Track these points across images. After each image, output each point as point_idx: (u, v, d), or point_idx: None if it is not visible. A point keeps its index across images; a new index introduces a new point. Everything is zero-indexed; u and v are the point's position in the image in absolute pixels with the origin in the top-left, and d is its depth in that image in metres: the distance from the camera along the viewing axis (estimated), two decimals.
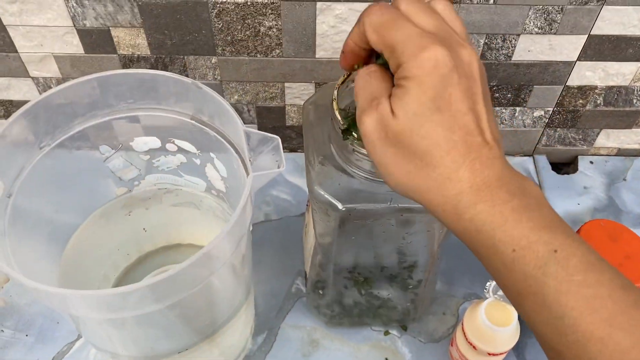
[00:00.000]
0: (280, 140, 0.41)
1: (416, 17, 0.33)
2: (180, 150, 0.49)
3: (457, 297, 0.61)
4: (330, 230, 0.46)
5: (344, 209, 0.42)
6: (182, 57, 0.60)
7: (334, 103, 0.41)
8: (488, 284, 0.51)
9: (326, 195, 0.43)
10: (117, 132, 0.47)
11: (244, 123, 0.68)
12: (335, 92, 0.42)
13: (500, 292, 0.51)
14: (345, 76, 0.43)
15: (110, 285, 0.56)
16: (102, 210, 0.52)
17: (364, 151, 0.40)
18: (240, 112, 0.66)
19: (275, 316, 0.59)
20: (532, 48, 0.59)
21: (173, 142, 0.48)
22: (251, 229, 0.45)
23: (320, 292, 0.55)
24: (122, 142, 0.48)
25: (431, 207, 0.33)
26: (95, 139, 0.47)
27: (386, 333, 0.59)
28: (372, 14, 0.34)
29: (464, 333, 0.53)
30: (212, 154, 0.47)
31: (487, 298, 0.52)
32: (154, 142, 0.48)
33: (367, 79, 0.34)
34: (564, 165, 0.73)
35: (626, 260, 0.49)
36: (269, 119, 0.67)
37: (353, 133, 0.40)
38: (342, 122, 0.40)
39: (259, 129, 0.68)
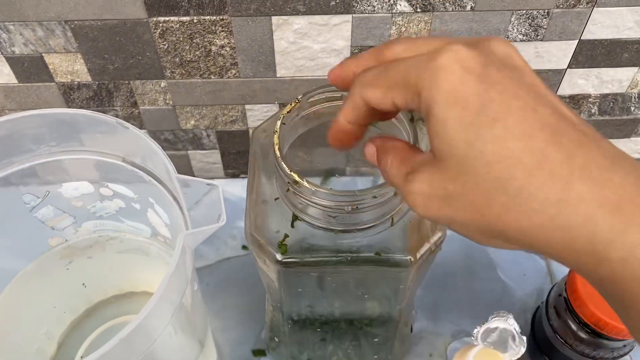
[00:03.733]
0: (220, 188, 0.35)
1: (416, 47, 0.26)
2: (117, 194, 0.43)
3: (445, 335, 0.55)
4: (273, 279, 0.40)
5: (282, 260, 0.36)
6: (127, 82, 0.54)
7: (275, 137, 0.35)
8: (476, 330, 0.45)
9: (262, 242, 0.37)
10: (41, 179, 0.41)
11: (205, 149, 0.62)
12: (279, 123, 0.36)
13: (490, 339, 0.45)
14: (293, 104, 0.37)
15: (55, 344, 0.50)
16: (36, 264, 0.46)
17: (309, 195, 0.34)
18: (199, 138, 0.60)
19: None
20: None
21: (107, 187, 0.42)
22: (195, 287, 0.39)
23: (276, 339, 0.49)
24: (49, 189, 0.42)
25: (551, 252, 0.23)
26: (15, 188, 0.41)
27: None
28: (362, 75, 0.27)
29: None
30: (150, 199, 0.41)
31: (475, 345, 0.45)
32: (85, 187, 0.42)
33: (388, 156, 0.28)
34: None
35: None
36: (232, 143, 0.61)
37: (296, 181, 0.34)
38: (283, 165, 0.34)
39: (221, 155, 0.62)
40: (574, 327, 0.45)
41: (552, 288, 0.49)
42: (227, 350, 0.54)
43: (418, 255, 0.36)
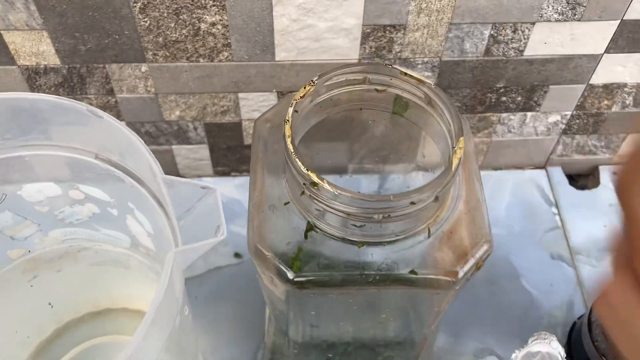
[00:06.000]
0: (218, 192, 0.28)
1: None
2: (90, 197, 0.36)
3: (467, 354, 0.49)
4: (280, 300, 0.33)
5: (295, 279, 0.29)
6: (102, 66, 0.46)
7: (287, 127, 0.28)
8: (514, 355, 0.39)
9: (270, 257, 0.30)
10: None
11: (191, 143, 0.55)
12: (291, 110, 0.29)
13: None
14: (307, 88, 0.30)
15: None
16: None
17: (329, 200, 0.28)
18: (185, 131, 0.53)
19: None
20: (549, 40, 0.46)
21: (77, 189, 0.35)
22: (186, 312, 0.32)
23: None
24: (7, 192, 0.35)
25: None
26: None
27: None
28: None
29: None
30: (130, 204, 0.34)
31: None
32: (51, 189, 0.35)
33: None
34: (580, 177, 0.61)
35: None
36: (222, 137, 0.54)
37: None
38: (297, 162, 0.27)
39: (210, 151, 0.55)
40: None
41: (591, 309, 0.43)
42: None
43: (461, 274, 0.30)
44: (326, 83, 0.31)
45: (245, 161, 0.57)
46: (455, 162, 0.28)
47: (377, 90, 0.32)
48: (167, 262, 0.25)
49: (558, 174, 0.59)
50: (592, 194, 0.58)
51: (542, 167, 0.59)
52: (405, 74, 0.31)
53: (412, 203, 0.27)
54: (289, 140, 0.28)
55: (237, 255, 0.53)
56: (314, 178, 0.27)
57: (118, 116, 0.51)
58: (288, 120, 0.29)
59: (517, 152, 0.57)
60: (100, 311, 0.45)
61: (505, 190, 0.58)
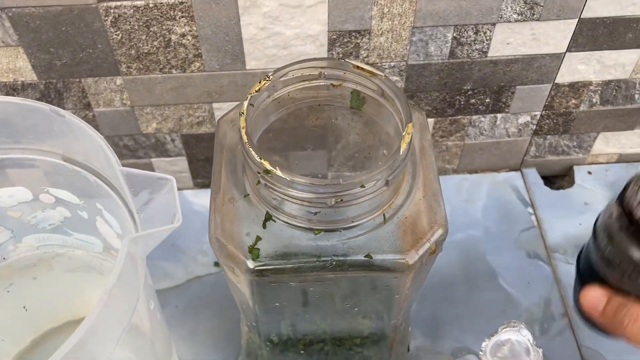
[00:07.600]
0: (174, 182, 0.29)
1: None
2: (60, 201, 0.37)
3: (444, 353, 0.49)
4: (245, 293, 0.34)
5: (254, 268, 0.30)
6: (78, 80, 0.48)
7: (242, 119, 0.29)
8: (484, 343, 0.39)
9: (230, 248, 0.31)
10: None
11: (169, 156, 0.56)
12: (246, 104, 0.30)
13: (501, 354, 0.39)
14: (262, 82, 0.31)
15: None
16: None
17: (284, 187, 0.29)
18: (162, 143, 0.54)
19: None
20: (511, 40, 0.48)
21: (48, 192, 0.36)
22: (152, 306, 0.33)
23: None
24: None
25: None
26: None
27: None
28: None
29: None
30: (98, 205, 0.35)
31: None
32: (21, 193, 0.36)
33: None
34: (557, 178, 0.62)
35: None
36: (200, 148, 0.55)
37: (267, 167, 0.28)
38: (251, 151, 0.28)
39: (189, 163, 0.56)
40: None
41: (597, 218, 0.40)
42: None
43: (416, 257, 0.30)
44: (282, 78, 0.32)
45: None
46: (403, 146, 0.29)
47: (332, 85, 0.33)
48: (122, 248, 0.26)
49: (533, 175, 0.60)
50: (567, 193, 0.59)
51: (517, 169, 0.60)
52: (358, 67, 0.32)
53: (362, 186, 0.28)
54: (243, 132, 0.29)
55: (217, 264, 0.54)
56: (267, 166, 0.28)
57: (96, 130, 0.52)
58: (243, 113, 0.30)
59: (491, 154, 0.58)
60: (78, 320, 0.46)
61: (481, 193, 0.59)
